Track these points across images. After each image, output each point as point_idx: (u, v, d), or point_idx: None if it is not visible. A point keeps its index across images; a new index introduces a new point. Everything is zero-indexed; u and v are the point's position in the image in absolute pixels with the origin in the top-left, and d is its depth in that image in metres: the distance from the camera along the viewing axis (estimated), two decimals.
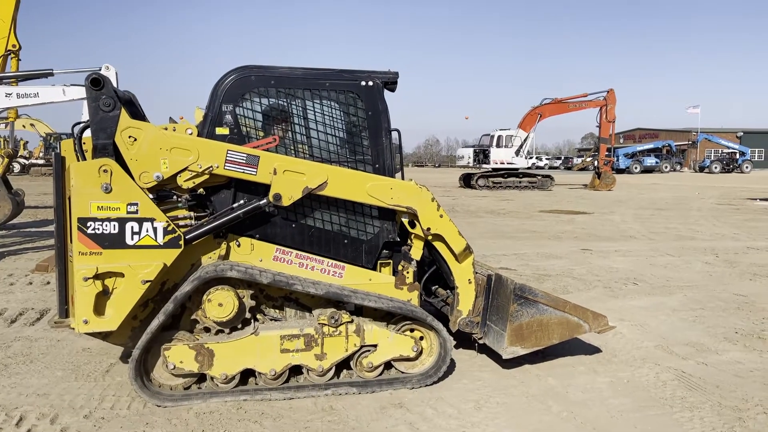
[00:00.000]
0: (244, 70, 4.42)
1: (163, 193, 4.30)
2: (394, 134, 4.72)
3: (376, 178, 4.44)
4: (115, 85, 9.30)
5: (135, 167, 4.11)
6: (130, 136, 4.08)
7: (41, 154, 43.02)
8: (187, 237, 4.12)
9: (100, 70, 9.08)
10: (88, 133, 4.26)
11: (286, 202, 4.25)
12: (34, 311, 6.54)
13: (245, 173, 4.22)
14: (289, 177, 4.24)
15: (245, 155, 4.20)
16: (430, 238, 4.67)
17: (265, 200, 4.26)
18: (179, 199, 4.59)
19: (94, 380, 4.59)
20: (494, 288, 4.86)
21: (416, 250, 4.78)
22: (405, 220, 4.64)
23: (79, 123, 4.29)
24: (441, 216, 4.58)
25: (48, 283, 7.97)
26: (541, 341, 4.72)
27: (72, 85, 9.09)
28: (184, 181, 4.18)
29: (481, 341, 4.92)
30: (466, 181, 31.24)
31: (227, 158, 4.18)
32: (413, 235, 4.74)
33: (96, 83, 4.02)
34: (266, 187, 4.27)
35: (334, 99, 4.55)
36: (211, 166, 4.16)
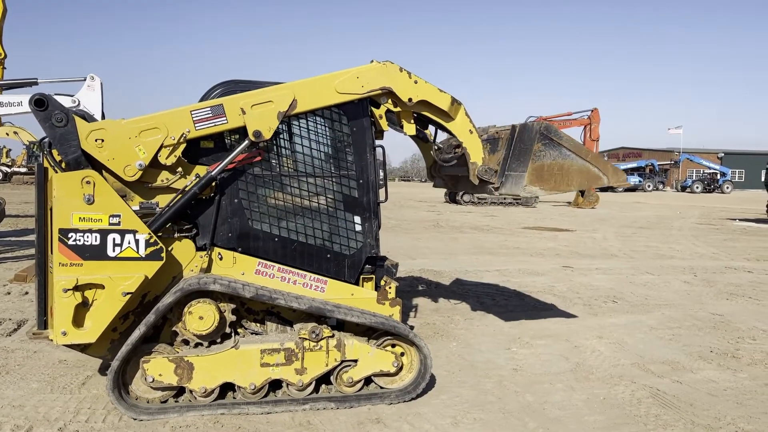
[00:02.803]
0: (229, 85, 4.47)
1: (146, 205, 4.29)
2: (378, 150, 4.78)
3: (339, 74, 4.45)
4: (100, 95, 9.29)
5: (115, 165, 4.11)
6: (96, 139, 4.07)
7: (24, 163, 42.58)
8: (152, 228, 4.11)
9: (84, 80, 9.09)
10: None
11: (267, 135, 4.27)
12: (12, 322, 6.46)
13: (217, 125, 4.24)
14: (259, 110, 4.26)
15: (208, 108, 4.22)
16: (415, 108, 4.67)
17: (215, 170, 4.25)
18: (157, 209, 4.54)
19: (70, 392, 4.54)
20: (518, 136, 4.82)
21: (408, 127, 4.82)
22: (388, 105, 4.64)
23: (46, 137, 4.25)
24: (416, 82, 4.58)
25: (26, 293, 7.89)
26: (560, 186, 4.73)
27: (56, 94, 9.06)
28: (166, 158, 4.18)
29: (497, 191, 4.89)
30: (452, 196, 31.37)
31: (194, 119, 4.20)
32: (399, 115, 4.75)
33: (40, 104, 3.96)
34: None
35: (319, 114, 4.59)
36: (184, 133, 4.18)
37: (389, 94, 4.57)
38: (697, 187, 55.38)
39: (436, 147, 5.41)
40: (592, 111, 29.40)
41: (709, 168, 58.02)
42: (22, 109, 9.09)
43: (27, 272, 8.59)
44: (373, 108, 4.68)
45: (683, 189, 56.95)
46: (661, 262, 12.11)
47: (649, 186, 56.01)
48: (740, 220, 23.86)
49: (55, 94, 9.18)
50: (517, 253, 13.01)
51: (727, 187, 55.40)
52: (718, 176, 56.71)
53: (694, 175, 61.85)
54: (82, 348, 4.24)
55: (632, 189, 54.26)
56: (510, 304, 7.92)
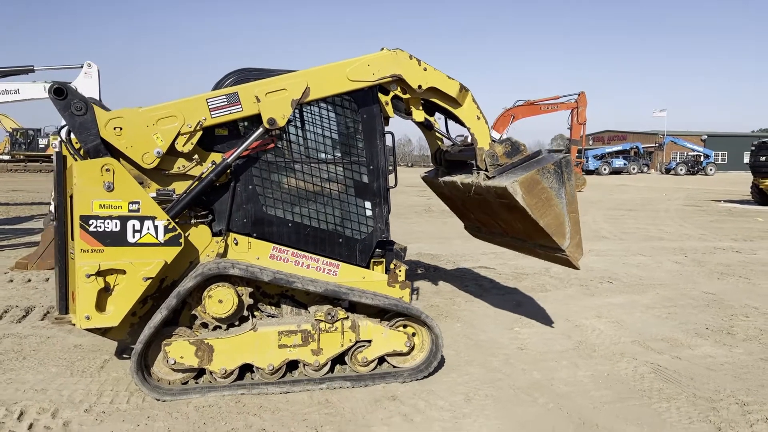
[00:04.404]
0: (243, 73, 4.54)
1: (163, 192, 4.36)
2: (388, 136, 4.88)
3: (350, 62, 4.54)
4: (97, 82, 9.25)
5: (134, 153, 4.19)
6: (115, 127, 4.14)
7: (6, 149, 42.10)
8: (170, 214, 4.19)
9: (81, 67, 9.05)
10: None
11: (281, 122, 4.36)
12: (19, 308, 6.52)
13: (233, 113, 4.33)
14: (273, 98, 4.35)
15: (224, 96, 4.31)
16: (424, 95, 4.79)
17: (231, 157, 4.34)
18: (174, 195, 4.61)
19: (90, 376, 4.64)
20: (537, 158, 4.97)
21: (417, 114, 4.95)
22: (397, 92, 4.75)
23: (65, 125, 4.32)
24: (425, 69, 4.70)
25: (29, 280, 7.93)
26: (536, 211, 4.79)
27: (53, 81, 9.01)
28: (183, 145, 4.26)
29: (485, 180, 5.00)
30: None
31: (210, 107, 4.28)
32: (409, 102, 4.87)
33: (59, 93, 4.06)
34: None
35: (330, 101, 4.68)
36: (200, 121, 4.26)
37: (399, 81, 4.67)
38: (681, 170, 55.95)
39: (452, 143, 5.54)
40: (580, 95, 29.55)
41: (693, 150, 58.58)
42: (20, 97, 9.03)
43: (28, 260, 8.62)
44: (380, 94, 4.78)
45: (667, 171, 57.56)
46: (652, 243, 12.35)
47: (634, 169, 56.53)
48: (725, 201, 24.25)
49: (52, 81, 9.14)
50: None
51: (711, 169, 56.01)
52: (702, 158, 57.30)
53: (678, 157, 62.47)
54: (103, 332, 4.34)
55: (617, 172, 54.78)
56: (508, 285, 8.09)
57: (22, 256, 9.06)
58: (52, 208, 8.63)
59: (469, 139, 5.36)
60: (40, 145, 41.07)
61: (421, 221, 15.83)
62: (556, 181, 4.81)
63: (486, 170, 5.00)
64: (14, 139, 41.47)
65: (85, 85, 8.99)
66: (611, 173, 53.89)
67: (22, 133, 41.29)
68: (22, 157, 41.49)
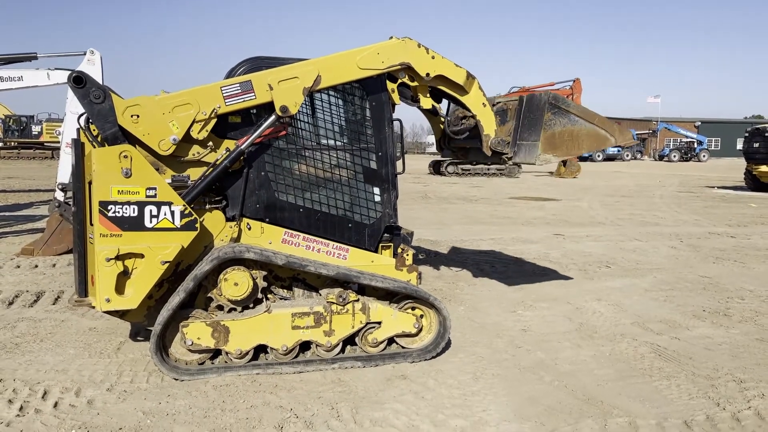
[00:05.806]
0: (255, 61, 4.63)
1: (178, 178, 4.46)
2: (396, 123, 4.99)
3: (360, 51, 4.63)
4: (100, 69, 9.26)
5: (150, 140, 4.28)
6: (132, 115, 4.23)
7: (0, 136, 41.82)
8: (186, 199, 4.29)
9: (84, 54, 9.07)
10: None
11: (293, 110, 4.45)
12: (29, 293, 6.63)
13: (246, 101, 4.41)
14: (286, 86, 4.44)
15: (237, 84, 4.39)
16: (432, 83, 4.90)
17: (244, 144, 4.43)
18: (189, 181, 4.71)
19: (108, 357, 4.77)
20: (526, 106, 5.08)
21: (425, 101, 5.04)
22: (404, 79, 4.85)
23: (84, 113, 4.40)
24: (433, 57, 4.80)
25: (36, 266, 8.03)
26: (571, 150, 4.98)
27: (56, 69, 9.04)
28: (198, 132, 4.35)
29: (510, 161, 5.15)
30: (436, 168, 31.66)
31: (224, 94, 4.36)
32: (417, 89, 4.97)
33: (79, 81, 4.12)
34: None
35: (340, 89, 4.78)
36: (215, 109, 4.35)
37: (407, 69, 4.77)
38: (675, 156, 56.28)
39: (445, 120, 5.66)
40: (574, 81, 29.63)
41: (687, 137, 58.90)
42: (23, 84, 9.04)
43: (34, 246, 8.70)
44: (387, 82, 4.88)
45: (661, 158, 57.84)
46: (647, 228, 12.54)
47: (627, 155, 56.87)
48: (719, 187, 24.51)
49: (55, 69, 9.18)
50: (508, 222, 13.35)
51: (704, 156, 56.39)
52: (695, 145, 57.64)
53: (672, 144, 62.79)
54: (122, 314, 4.47)
55: (611, 158, 55.07)
56: (509, 270, 8.25)
57: (27, 243, 9.13)
58: (57, 194, 8.71)
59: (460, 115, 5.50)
60: (33, 132, 40.84)
61: (419, 208, 15.96)
62: (561, 117, 4.95)
63: (502, 154, 5.12)
64: (7, 126, 41.16)
65: (89, 72, 8.99)
66: (605, 160, 54.19)
67: (14, 120, 41.00)
68: (14, 144, 41.25)
